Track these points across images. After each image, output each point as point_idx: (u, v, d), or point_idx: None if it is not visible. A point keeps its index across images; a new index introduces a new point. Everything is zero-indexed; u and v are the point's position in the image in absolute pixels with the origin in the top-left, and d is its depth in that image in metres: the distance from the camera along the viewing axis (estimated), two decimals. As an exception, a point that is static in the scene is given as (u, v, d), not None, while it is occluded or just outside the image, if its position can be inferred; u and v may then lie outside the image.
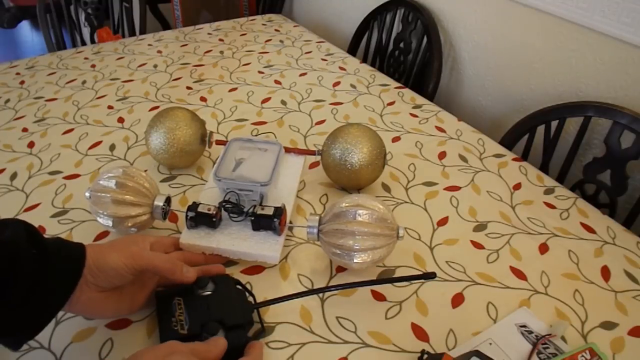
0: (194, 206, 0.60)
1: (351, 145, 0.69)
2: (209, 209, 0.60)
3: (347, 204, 0.57)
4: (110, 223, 0.59)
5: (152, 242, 0.54)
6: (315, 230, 0.58)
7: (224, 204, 0.61)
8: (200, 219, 0.60)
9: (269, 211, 0.60)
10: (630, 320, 0.55)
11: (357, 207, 0.56)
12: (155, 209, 0.60)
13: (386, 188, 0.75)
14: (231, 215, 0.61)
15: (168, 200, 0.62)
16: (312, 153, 0.75)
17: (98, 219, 0.60)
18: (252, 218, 0.60)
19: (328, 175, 0.74)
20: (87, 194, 0.60)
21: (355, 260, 0.55)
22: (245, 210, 0.61)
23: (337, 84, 1.06)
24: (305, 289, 0.55)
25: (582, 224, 0.70)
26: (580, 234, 0.68)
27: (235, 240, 0.60)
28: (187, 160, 0.76)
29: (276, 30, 1.37)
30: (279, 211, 0.60)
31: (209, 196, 0.68)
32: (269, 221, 0.59)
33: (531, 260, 0.63)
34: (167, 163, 0.76)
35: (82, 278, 0.45)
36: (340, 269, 0.61)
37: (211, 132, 0.77)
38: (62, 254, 0.45)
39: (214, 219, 0.60)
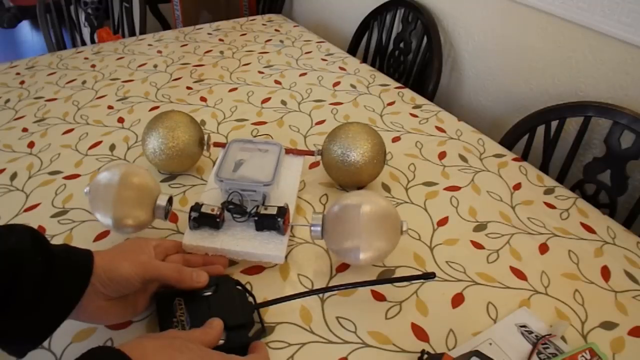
0: (197, 207, 0.60)
1: (352, 142, 0.69)
2: (212, 210, 0.60)
3: (350, 201, 0.57)
4: (110, 222, 0.58)
5: (154, 246, 0.54)
6: (319, 229, 0.58)
7: (227, 204, 0.61)
8: (204, 219, 0.60)
9: (273, 211, 0.60)
10: (630, 320, 0.56)
11: (361, 203, 0.56)
12: (157, 208, 0.60)
13: (386, 188, 0.75)
14: (235, 215, 0.61)
15: (170, 200, 0.62)
16: (311, 153, 0.75)
17: (97, 216, 0.59)
18: (256, 218, 0.60)
19: (329, 174, 0.74)
20: (86, 190, 0.60)
21: (360, 257, 0.55)
22: (248, 210, 0.60)
23: (337, 84, 1.06)
24: (305, 289, 0.55)
25: (582, 224, 0.70)
26: (580, 234, 0.68)
27: (239, 241, 0.60)
28: (186, 164, 0.75)
29: (276, 30, 1.37)
30: (283, 211, 0.60)
31: (210, 197, 0.68)
32: (272, 221, 0.59)
33: (531, 260, 0.63)
34: (165, 168, 0.76)
35: (90, 287, 0.45)
36: (341, 269, 0.61)
37: (209, 135, 0.77)
38: (69, 261, 0.45)
39: (218, 220, 0.60)
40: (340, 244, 0.56)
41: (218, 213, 0.60)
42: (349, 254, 0.56)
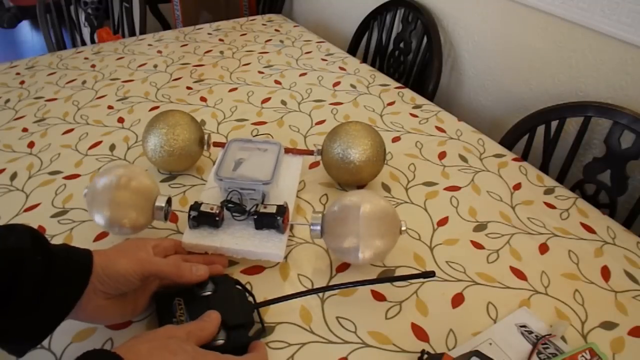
0: (196, 206, 0.60)
1: (352, 140, 0.69)
2: (211, 209, 0.60)
3: (349, 200, 0.57)
4: (106, 224, 0.58)
5: (153, 246, 0.54)
6: (319, 228, 0.58)
7: (226, 203, 0.61)
8: (203, 218, 0.60)
9: (272, 209, 0.60)
10: (630, 320, 0.56)
11: (360, 203, 0.56)
12: (156, 209, 0.60)
13: (386, 188, 0.75)
14: (234, 214, 0.61)
15: (169, 201, 0.62)
16: (311, 153, 0.75)
17: (94, 218, 0.59)
18: (255, 217, 0.60)
19: (329, 173, 0.74)
20: (85, 191, 0.60)
21: (359, 256, 0.55)
22: (247, 209, 0.61)
23: (337, 84, 1.06)
24: (305, 289, 0.55)
25: (582, 224, 0.70)
26: (580, 234, 0.68)
27: (239, 239, 0.60)
28: (186, 163, 0.75)
29: (276, 30, 1.37)
30: (282, 209, 0.60)
31: (210, 196, 0.68)
32: (272, 219, 0.59)
33: (531, 260, 0.63)
34: (165, 167, 0.76)
35: (90, 286, 0.45)
36: (340, 269, 0.61)
37: (209, 135, 0.77)
38: (69, 261, 0.45)
39: (217, 218, 0.60)
40: (339, 242, 0.56)
41: (217, 212, 0.60)
42: (348, 252, 0.56)
